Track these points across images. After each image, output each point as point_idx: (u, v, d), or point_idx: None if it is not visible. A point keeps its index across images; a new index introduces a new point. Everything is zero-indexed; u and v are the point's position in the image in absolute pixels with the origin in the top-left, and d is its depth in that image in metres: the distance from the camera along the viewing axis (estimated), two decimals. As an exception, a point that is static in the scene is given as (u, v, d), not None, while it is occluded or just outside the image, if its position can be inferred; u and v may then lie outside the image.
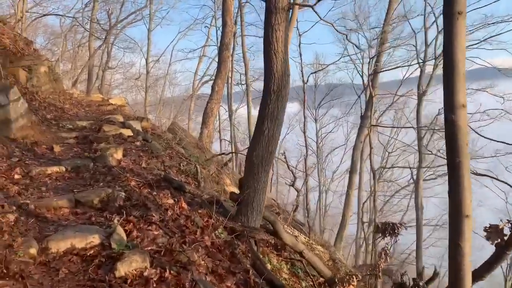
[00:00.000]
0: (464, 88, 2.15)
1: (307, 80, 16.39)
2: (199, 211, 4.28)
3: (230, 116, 24.73)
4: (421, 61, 20.82)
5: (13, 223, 3.46)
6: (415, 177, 21.81)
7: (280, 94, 4.15)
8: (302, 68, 13.79)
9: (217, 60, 29.98)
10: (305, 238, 9.50)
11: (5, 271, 2.86)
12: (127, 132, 7.41)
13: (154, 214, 3.77)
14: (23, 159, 5.50)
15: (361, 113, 17.92)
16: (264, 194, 4.40)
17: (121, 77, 37.56)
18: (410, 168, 21.58)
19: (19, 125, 6.44)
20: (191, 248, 3.39)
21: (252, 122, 25.67)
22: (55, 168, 5.17)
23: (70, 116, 9.00)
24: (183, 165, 6.53)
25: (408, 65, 18.56)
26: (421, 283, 8.34)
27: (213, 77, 33.72)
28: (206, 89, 36.43)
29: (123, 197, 4.14)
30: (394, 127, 18.59)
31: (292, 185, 12.78)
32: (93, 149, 6.08)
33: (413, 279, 8.55)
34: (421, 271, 8.43)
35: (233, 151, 23.76)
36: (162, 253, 3.25)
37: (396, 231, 7.19)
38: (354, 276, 6.09)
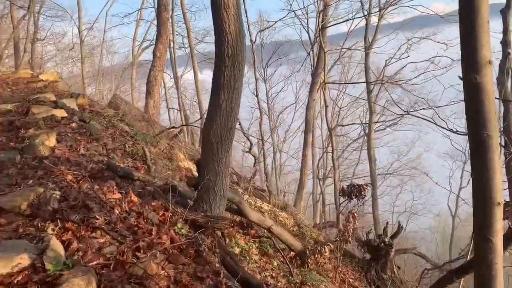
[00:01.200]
0: (489, 39, 1.66)
1: (255, 40, 15.68)
2: (153, 203, 3.66)
3: (176, 83, 23.59)
4: (366, 12, 20.54)
5: None
6: (366, 130, 22.05)
7: (235, 59, 3.52)
8: (248, 26, 12.90)
9: (156, 24, 28.36)
10: (268, 206, 9.16)
11: None
12: (60, 113, 6.49)
13: (97, 216, 3.11)
14: None
15: (312, 70, 17.54)
16: (227, 177, 3.84)
17: (54, 49, 34.78)
18: (362, 124, 21.68)
19: None
20: (146, 255, 2.80)
21: (200, 87, 24.69)
22: (-28, 166, 4.31)
23: (-7, 99, 7.86)
24: (128, 146, 5.80)
25: (354, 18, 18.15)
26: (386, 239, 8.31)
27: (154, 42, 32.06)
28: (147, 56, 34.63)
29: (57, 197, 3.42)
30: (348, 83, 18.32)
31: (249, 152, 12.33)
32: (20, 138, 5.20)
33: (379, 235, 8.51)
34: (385, 227, 8.35)
35: (183, 120, 22.87)
36: (112, 267, 2.64)
37: (362, 192, 6.96)
38: (325, 246, 5.79)
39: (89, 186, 3.78)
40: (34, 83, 10.80)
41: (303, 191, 16.00)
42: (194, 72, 24.17)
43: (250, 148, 12.21)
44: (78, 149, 5.11)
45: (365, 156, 31.32)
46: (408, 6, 20.62)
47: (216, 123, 3.61)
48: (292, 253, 5.67)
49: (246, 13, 13.92)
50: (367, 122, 21.80)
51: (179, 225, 3.42)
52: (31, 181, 3.86)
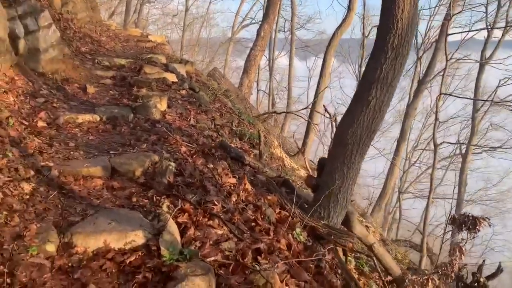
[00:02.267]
0: None
1: (369, 33, 14.75)
2: (268, 197, 3.25)
3: (271, 66, 23.25)
4: (490, 25, 18.66)
5: (28, 198, 2.51)
6: (463, 150, 20.24)
7: (400, 52, 2.95)
8: (364, 19, 12.09)
9: (262, 2, 28.16)
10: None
11: (8, 281, 1.93)
12: (171, 77, 6.34)
13: (215, 201, 2.75)
14: (51, 99, 4.53)
15: (420, 77, 16.26)
16: (354, 184, 3.32)
17: (158, 13, 36.09)
18: (461, 143, 19.83)
19: (49, 57, 5.44)
20: (268, 262, 2.39)
21: (293, 74, 24.20)
22: (88, 116, 4.19)
23: (107, 51, 7.96)
24: (235, 125, 5.48)
25: (477, 30, 16.42)
26: (482, 280, 7.34)
27: (254, 21, 31.99)
28: (245, 33, 34.71)
29: (173, 170, 3.13)
30: (467, 98, 16.73)
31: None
32: (133, 95, 5.06)
33: (473, 273, 7.55)
34: (481, 266, 7.39)
35: (270, 104, 22.59)
36: (231, 268, 2.26)
37: (477, 227, 6.10)
38: (430, 280, 5.09)
39: (203, 162, 3.45)
40: (143, 43, 10.95)
41: (384, 201, 15.07)
42: (290, 57, 23.71)
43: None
44: (188, 119, 4.86)
45: (449, 176, 29.18)
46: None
47: (358, 122, 3.09)
48: (389, 277, 5.04)
49: (364, 5, 12.98)
50: (465, 143, 19.99)
51: (298, 230, 2.98)
52: (144, 145, 3.62)
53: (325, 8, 66.11)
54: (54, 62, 5.56)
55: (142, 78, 5.75)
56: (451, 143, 16.45)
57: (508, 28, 18.47)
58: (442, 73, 22.31)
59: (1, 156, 2.72)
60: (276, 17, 17.42)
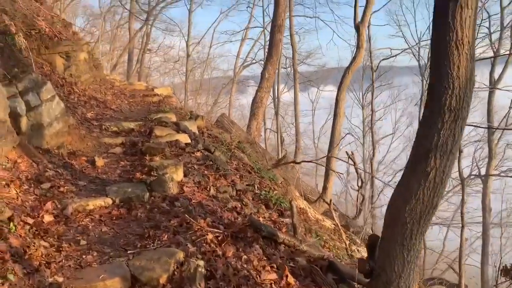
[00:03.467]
0: None
1: (377, 67, 14.53)
2: (316, 291, 2.75)
3: (276, 103, 23.05)
4: (495, 46, 18.43)
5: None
6: (482, 176, 19.53)
7: (459, 114, 2.52)
8: (370, 53, 11.82)
9: (262, 43, 28.27)
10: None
11: None
12: (183, 138, 5.95)
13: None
14: (57, 182, 4.13)
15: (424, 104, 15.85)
16: (415, 269, 2.82)
17: (160, 60, 36.52)
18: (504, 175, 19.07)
19: (54, 131, 5.09)
20: None
21: (299, 111, 23.96)
22: (99, 201, 3.76)
23: (114, 113, 7.65)
24: (257, 187, 5.02)
25: (489, 57, 16.11)
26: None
27: (255, 60, 32.09)
28: (246, 72, 34.81)
29: (203, 271, 2.66)
30: (491, 128, 16.24)
31: (358, 191, 11.14)
32: (146, 167, 4.63)
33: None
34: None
35: (279, 143, 22.20)
36: None
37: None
38: None
39: (235, 254, 2.98)
40: (149, 97, 10.70)
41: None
42: (295, 94, 23.55)
43: (360, 187, 11.02)
44: (207, 188, 4.42)
45: (471, 201, 28.26)
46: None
47: (417, 197, 2.63)
48: None
49: (369, 39, 12.82)
50: (493, 173, 19.24)
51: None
52: (165, 235, 3.15)
53: (325, 43, 66.87)
54: (59, 136, 5.21)
55: (153, 144, 5.35)
56: (477, 176, 15.70)
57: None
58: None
59: (0, 282, 2.27)
60: (279, 58, 17.27)
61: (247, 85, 37.11)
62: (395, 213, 2.75)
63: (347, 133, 8.53)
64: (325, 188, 9.29)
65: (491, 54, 18.68)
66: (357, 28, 9.15)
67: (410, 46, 18.08)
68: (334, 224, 8.08)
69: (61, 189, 4.01)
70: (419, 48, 23.81)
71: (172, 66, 36.05)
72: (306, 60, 30.27)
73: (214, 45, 33.11)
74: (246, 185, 4.95)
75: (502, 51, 18.71)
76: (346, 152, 7.14)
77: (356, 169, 6.79)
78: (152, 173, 4.47)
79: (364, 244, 8.14)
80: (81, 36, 11.63)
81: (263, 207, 4.42)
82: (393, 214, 2.78)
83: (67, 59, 8.52)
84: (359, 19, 9.13)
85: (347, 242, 6.74)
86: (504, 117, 19.21)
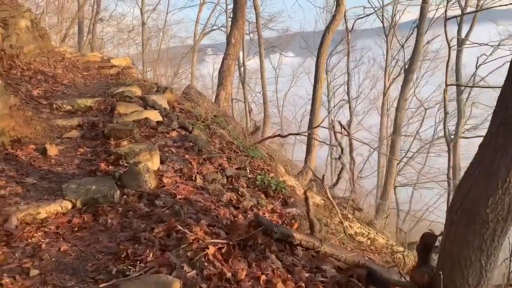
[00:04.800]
0: None
1: (352, 27, 13.74)
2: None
3: (243, 72, 22.05)
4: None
5: None
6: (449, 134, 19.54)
7: None
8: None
9: (224, 7, 26.89)
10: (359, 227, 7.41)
11: None
12: (154, 116, 5.01)
13: None
14: (-4, 183, 3.16)
15: (404, 66, 15.40)
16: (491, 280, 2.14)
17: (113, 30, 34.29)
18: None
19: (-10, 115, 4.05)
20: None
21: (265, 78, 23.03)
22: (54, 206, 2.84)
23: (66, 89, 6.53)
24: (249, 170, 4.22)
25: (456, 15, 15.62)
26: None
27: (216, 27, 30.65)
28: (206, 41, 33.40)
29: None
30: (475, 87, 15.91)
31: (339, 159, 10.58)
32: (113, 154, 3.71)
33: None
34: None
35: (247, 113, 21.33)
36: None
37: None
38: None
39: (247, 272, 2.19)
40: (106, 69, 9.52)
41: (387, 201, 14.09)
42: (261, 61, 22.59)
43: (340, 156, 10.45)
44: (192, 176, 3.56)
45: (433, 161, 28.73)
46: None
47: (505, 186, 1.91)
48: None
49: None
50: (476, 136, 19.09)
51: None
52: (150, 253, 2.29)
53: (291, 5, 65.12)
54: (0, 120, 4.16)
55: (118, 124, 4.39)
56: (466, 137, 15.46)
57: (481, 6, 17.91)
58: (427, 60, 21.59)
59: None
60: (245, 21, 16.17)
61: (208, 53, 35.65)
62: (471, 207, 2.02)
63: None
64: (307, 159, 8.62)
65: (458, 12, 18.34)
66: (337, -17, 8.30)
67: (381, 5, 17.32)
68: (323, 200, 7.46)
69: (2, 191, 3.04)
70: (382, 9, 23.26)
71: (126, 36, 33.96)
72: (269, 25, 29.10)
73: (170, 12, 31.29)
74: (236, 168, 4.12)
75: (468, 9, 18.37)
76: (339, 122, 6.45)
77: (349, 138, 6.10)
78: (121, 163, 3.56)
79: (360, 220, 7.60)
80: (20, 3, 10.13)
81: (262, 195, 3.63)
82: (467, 209, 2.05)
83: (4, 27, 7.22)
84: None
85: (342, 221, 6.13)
86: (472, 75, 19.16)
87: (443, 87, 21.47)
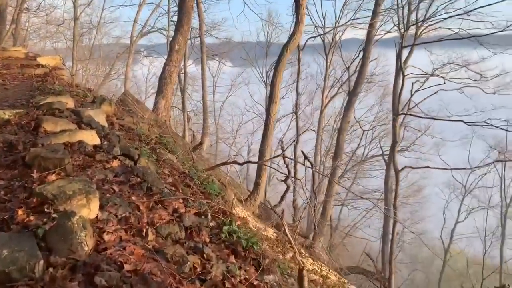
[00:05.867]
0: None
1: (304, 46, 13.42)
2: None
3: (183, 78, 21.08)
4: (403, 26, 18.61)
5: None
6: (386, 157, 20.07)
7: None
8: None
9: (165, 9, 25.73)
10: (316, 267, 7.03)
11: None
12: (89, 137, 4.09)
13: None
14: None
15: (349, 88, 15.39)
16: None
17: (39, 22, 31.65)
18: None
19: None
20: None
21: (206, 86, 22.21)
22: None
23: (-22, 92, 5.36)
24: (210, 217, 3.48)
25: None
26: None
27: (154, 29, 29.36)
28: (142, 41, 31.97)
29: None
30: (429, 118, 16.10)
31: (285, 181, 10.12)
32: (36, 196, 2.79)
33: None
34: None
35: (185, 122, 20.34)
36: None
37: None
38: None
39: None
40: (31, 68, 8.30)
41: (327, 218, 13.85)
42: (202, 69, 21.74)
43: (287, 178, 9.96)
44: (142, 231, 2.76)
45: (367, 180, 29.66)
46: (449, 28, 18.95)
47: None
48: None
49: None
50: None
51: None
52: None
53: (236, 15, 64.32)
54: None
55: (45, 150, 3.44)
56: (413, 168, 15.67)
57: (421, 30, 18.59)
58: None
59: None
60: (190, 27, 15.35)
61: (144, 55, 34.14)
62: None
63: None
64: (257, 184, 7.99)
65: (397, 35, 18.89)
66: (296, -1, 7.83)
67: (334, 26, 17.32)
68: (276, 233, 6.87)
69: None
70: (324, 27, 23.61)
71: (55, 29, 31.53)
72: (211, 32, 28.43)
73: (107, 8, 29.52)
74: (195, 214, 3.36)
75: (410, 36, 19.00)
76: (302, 152, 5.89)
77: (313, 171, 5.55)
78: (47, 210, 2.66)
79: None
80: None
81: (232, 256, 2.90)
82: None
83: None
84: (298, -12, 7.81)
85: (300, 259, 5.55)
86: (407, 101, 19.82)
87: (377, 109, 22.12)
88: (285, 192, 10.17)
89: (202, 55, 21.66)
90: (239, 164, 6.98)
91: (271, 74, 36.53)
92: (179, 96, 23.10)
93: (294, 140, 14.02)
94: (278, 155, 7.43)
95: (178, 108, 22.76)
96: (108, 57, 33.33)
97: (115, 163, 3.75)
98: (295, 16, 8.08)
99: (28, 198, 2.83)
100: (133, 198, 3.19)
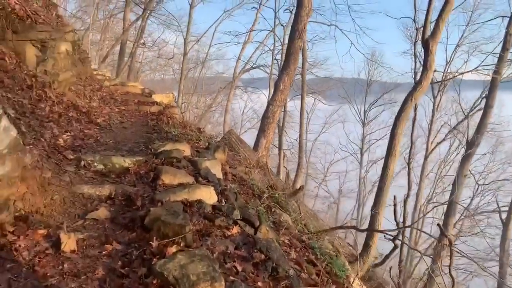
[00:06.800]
0: None
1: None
2: None
3: (282, 116, 20.96)
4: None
5: None
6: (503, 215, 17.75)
7: None
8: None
9: (269, 47, 26.17)
10: None
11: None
12: (208, 194, 3.74)
13: None
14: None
15: (467, 137, 13.94)
16: None
17: (152, 55, 34.18)
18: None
19: (-7, 181, 2.87)
20: None
21: (304, 125, 21.89)
22: None
23: (100, 132, 5.40)
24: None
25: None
26: None
27: (255, 65, 29.97)
28: (244, 77, 32.75)
29: None
30: None
31: (393, 241, 9.05)
32: (157, 277, 2.43)
33: None
34: None
35: (281, 161, 20.07)
36: None
37: None
38: None
39: None
40: (146, 106, 8.50)
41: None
42: (302, 108, 21.51)
43: (395, 237, 8.94)
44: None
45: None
46: None
47: None
48: None
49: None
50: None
51: None
52: None
53: (341, 55, 64.46)
54: (4, 186, 2.97)
55: (165, 213, 3.12)
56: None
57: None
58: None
59: None
60: (296, 68, 15.17)
61: (245, 91, 35.01)
62: None
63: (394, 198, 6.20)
64: (367, 246, 7.19)
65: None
66: (426, 43, 7.10)
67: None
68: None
69: None
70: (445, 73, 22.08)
71: (165, 62, 33.80)
72: (312, 70, 28.33)
73: (214, 45, 30.89)
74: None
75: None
76: (438, 225, 5.06)
77: (450, 247, 4.69)
78: (169, 298, 2.27)
79: None
80: (66, 22, 9.30)
81: None
82: None
83: (42, 49, 6.29)
84: (429, 32, 7.09)
85: None
86: None
87: (504, 167, 19.86)
88: (391, 251, 9.13)
89: (302, 93, 21.47)
90: (358, 230, 6.27)
91: (370, 114, 35.06)
92: (275, 133, 22.99)
93: (406, 195, 12.88)
94: (409, 226, 6.60)
95: (274, 145, 22.63)
96: (209, 90, 34.80)
97: (235, 229, 3.33)
98: (423, 63, 7.34)
99: (146, 277, 2.48)
100: (260, 284, 2.70)
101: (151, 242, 2.84)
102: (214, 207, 3.61)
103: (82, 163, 3.99)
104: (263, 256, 3.03)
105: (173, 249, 2.78)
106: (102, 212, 3.33)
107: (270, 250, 3.11)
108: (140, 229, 3.09)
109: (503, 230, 16.76)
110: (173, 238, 2.89)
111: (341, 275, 3.52)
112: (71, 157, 4.08)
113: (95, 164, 4.04)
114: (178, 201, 3.51)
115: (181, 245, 2.87)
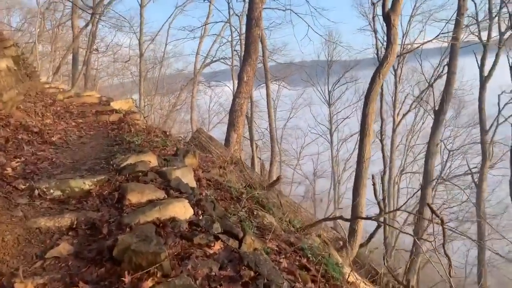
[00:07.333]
0: None
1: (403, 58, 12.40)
2: None
3: (250, 107, 20.59)
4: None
5: None
6: (476, 179, 18.11)
7: None
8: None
9: (227, 38, 25.69)
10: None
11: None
12: (182, 209, 3.38)
13: None
14: None
15: (434, 106, 13.99)
16: None
17: (107, 60, 33.06)
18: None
19: None
20: None
21: (272, 113, 21.64)
22: None
23: (55, 153, 4.91)
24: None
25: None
26: None
27: (215, 58, 29.42)
28: (204, 70, 32.16)
29: None
30: None
31: (376, 219, 8.95)
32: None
33: None
34: None
35: (254, 151, 19.76)
36: None
37: None
38: None
39: None
40: (105, 115, 8.00)
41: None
42: (268, 95, 21.21)
43: (379, 219, 8.84)
44: None
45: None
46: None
47: None
48: None
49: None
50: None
51: None
52: None
53: (300, 39, 64.11)
54: None
55: (135, 241, 2.74)
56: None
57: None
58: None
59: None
60: (258, 57, 14.80)
61: (208, 85, 34.43)
62: None
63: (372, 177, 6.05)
64: (353, 231, 7.00)
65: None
66: (387, 17, 6.89)
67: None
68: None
69: None
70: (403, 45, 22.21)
71: (121, 66, 32.76)
72: (272, 57, 28.06)
73: (170, 43, 30.10)
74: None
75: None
76: (428, 205, 4.87)
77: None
78: None
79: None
80: (6, 36, 8.57)
81: None
82: None
83: (-22, 69, 5.70)
84: (388, 6, 6.88)
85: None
86: (495, 119, 17.91)
87: (468, 130, 20.23)
88: (374, 231, 9.04)
89: (266, 82, 21.18)
90: (345, 220, 6.03)
91: (334, 94, 35.20)
92: (245, 125, 22.66)
93: (382, 172, 12.78)
94: (397, 209, 6.41)
95: (245, 137, 22.31)
96: (171, 88, 34.02)
97: (217, 246, 2.99)
98: (386, 37, 7.15)
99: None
100: (251, 306, 2.38)
101: (122, 278, 2.47)
102: (190, 223, 3.26)
103: (36, 192, 3.54)
104: (252, 273, 2.71)
105: (149, 283, 2.42)
106: (64, 248, 2.92)
107: (259, 264, 2.80)
108: (109, 262, 2.70)
109: (477, 192, 17.11)
110: (148, 269, 2.52)
111: (337, 277, 3.26)
112: (23, 186, 3.61)
113: (51, 191, 3.60)
114: (149, 222, 3.13)
115: (158, 275, 2.51)
